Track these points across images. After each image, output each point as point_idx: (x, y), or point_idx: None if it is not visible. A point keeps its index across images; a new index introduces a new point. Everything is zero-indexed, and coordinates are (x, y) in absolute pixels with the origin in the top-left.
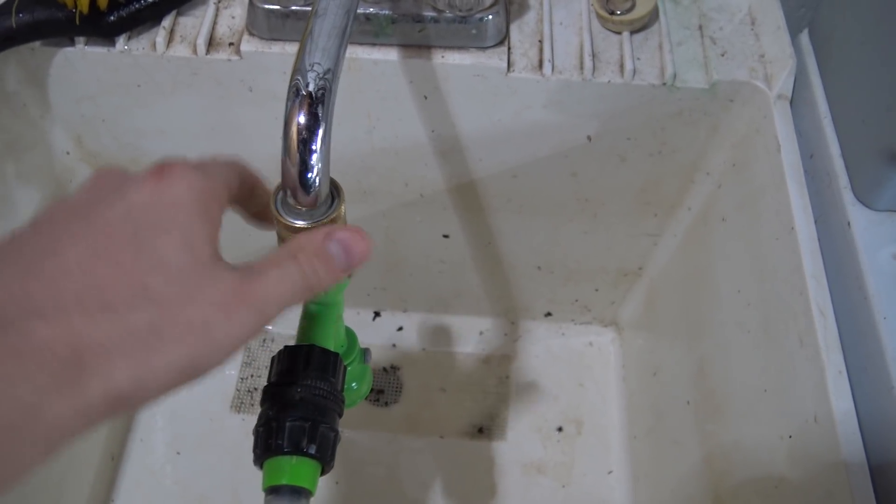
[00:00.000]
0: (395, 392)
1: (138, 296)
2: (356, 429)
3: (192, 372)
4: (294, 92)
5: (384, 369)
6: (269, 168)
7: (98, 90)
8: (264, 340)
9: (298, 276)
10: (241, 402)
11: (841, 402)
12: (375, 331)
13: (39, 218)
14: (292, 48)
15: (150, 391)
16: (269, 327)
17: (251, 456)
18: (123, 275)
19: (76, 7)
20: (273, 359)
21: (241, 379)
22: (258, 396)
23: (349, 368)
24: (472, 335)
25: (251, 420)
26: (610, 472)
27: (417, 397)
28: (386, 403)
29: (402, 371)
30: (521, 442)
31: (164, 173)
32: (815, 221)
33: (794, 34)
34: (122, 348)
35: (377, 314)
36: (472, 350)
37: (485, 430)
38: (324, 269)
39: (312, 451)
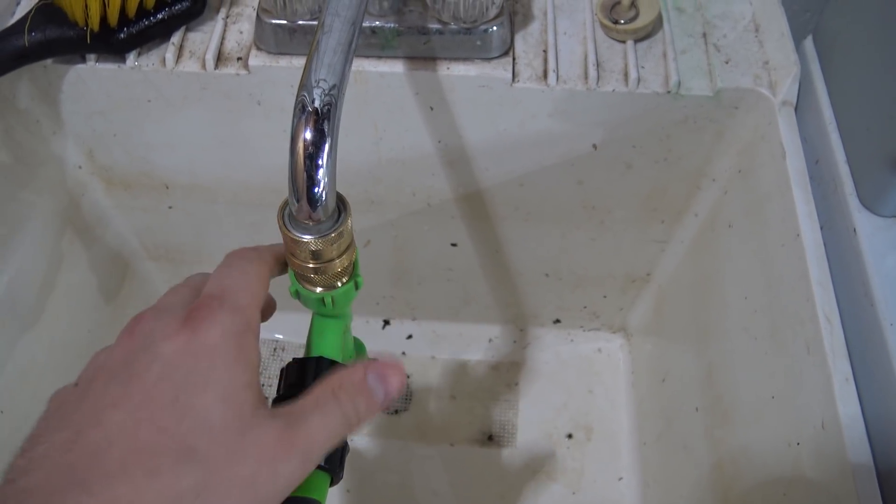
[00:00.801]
0: (404, 400)
1: (184, 458)
2: (366, 437)
3: None
4: (300, 108)
5: None
6: (277, 179)
7: (109, 105)
8: (275, 349)
9: (340, 417)
10: None
11: (848, 408)
12: (385, 339)
13: (83, 378)
14: (299, 62)
15: None
16: (279, 336)
17: None
18: (167, 438)
19: (87, 25)
20: (282, 371)
21: None
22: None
23: None
24: (481, 342)
25: None
26: (620, 479)
27: (427, 405)
28: (396, 411)
29: (411, 379)
30: (531, 449)
31: (196, 322)
32: (821, 228)
33: (798, 40)
34: None
35: (387, 322)
36: (481, 357)
37: (495, 437)
38: (364, 405)
39: (321, 463)
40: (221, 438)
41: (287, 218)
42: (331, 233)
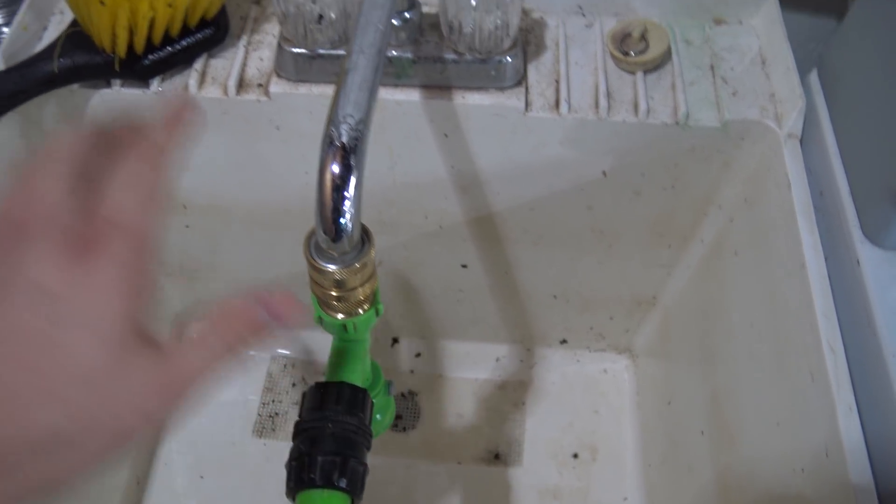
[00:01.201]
0: (413, 418)
1: (46, 401)
2: (375, 454)
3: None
4: (328, 142)
5: (402, 395)
6: (292, 201)
7: None
8: (285, 366)
9: (221, 347)
10: (263, 427)
11: (851, 437)
12: (394, 357)
13: None
14: (318, 89)
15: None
16: (287, 352)
17: (273, 480)
18: (31, 377)
19: (114, 52)
20: (304, 394)
21: (263, 404)
22: (279, 421)
23: (374, 401)
24: (488, 362)
25: (273, 445)
26: (625, 499)
27: (435, 423)
28: (404, 429)
29: (419, 397)
30: (537, 468)
31: (89, 257)
32: (826, 258)
33: (803, 73)
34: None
35: (396, 340)
36: (488, 376)
37: (501, 455)
38: (248, 330)
39: (343, 484)
40: (90, 379)
41: (313, 248)
42: (355, 263)
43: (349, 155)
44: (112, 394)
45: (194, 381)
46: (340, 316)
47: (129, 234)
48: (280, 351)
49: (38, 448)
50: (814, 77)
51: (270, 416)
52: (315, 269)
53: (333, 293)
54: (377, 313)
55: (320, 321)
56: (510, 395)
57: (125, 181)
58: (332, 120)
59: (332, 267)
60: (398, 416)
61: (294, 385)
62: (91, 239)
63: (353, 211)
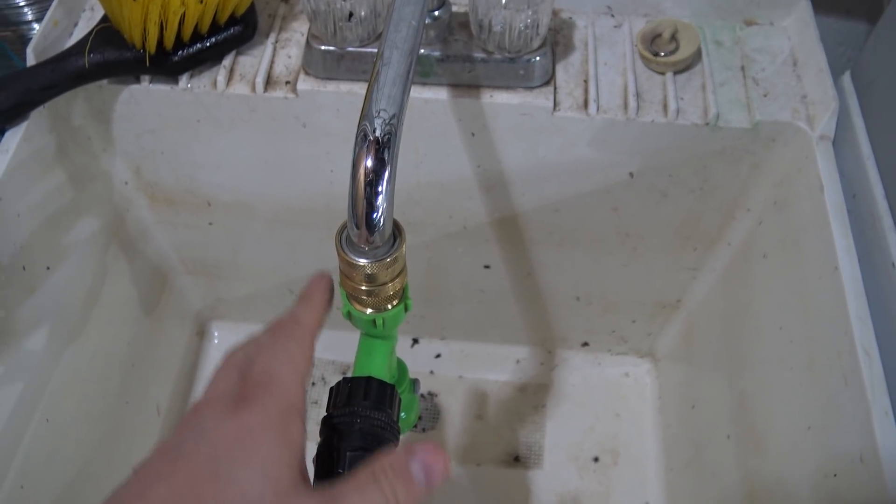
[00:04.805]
0: (432, 419)
1: None
2: None
3: None
4: (362, 137)
5: (422, 396)
6: (316, 200)
7: (159, 125)
8: None
9: (379, 501)
10: None
11: (888, 442)
12: (414, 357)
13: (142, 462)
14: (346, 87)
15: None
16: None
17: None
18: None
19: (144, 47)
20: (332, 389)
21: None
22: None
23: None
24: (508, 363)
25: None
26: None
27: (454, 424)
28: (423, 430)
29: (439, 398)
30: (557, 471)
31: (242, 407)
32: (859, 261)
33: (835, 76)
34: None
35: (416, 341)
36: (508, 378)
37: (521, 458)
38: (404, 492)
39: None
40: None
41: (344, 241)
42: (386, 258)
43: (383, 149)
44: None
45: None
46: (369, 311)
47: (272, 389)
48: None
49: None
50: (847, 80)
51: None
52: (346, 263)
53: (363, 287)
54: (406, 309)
55: (349, 316)
56: (530, 397)
57: (269, 350)
58: (366, 114)
59: (363, 261)
60: (418, 417)
61: (313, 384)
62: (242, 397)
63: (385, 205)
